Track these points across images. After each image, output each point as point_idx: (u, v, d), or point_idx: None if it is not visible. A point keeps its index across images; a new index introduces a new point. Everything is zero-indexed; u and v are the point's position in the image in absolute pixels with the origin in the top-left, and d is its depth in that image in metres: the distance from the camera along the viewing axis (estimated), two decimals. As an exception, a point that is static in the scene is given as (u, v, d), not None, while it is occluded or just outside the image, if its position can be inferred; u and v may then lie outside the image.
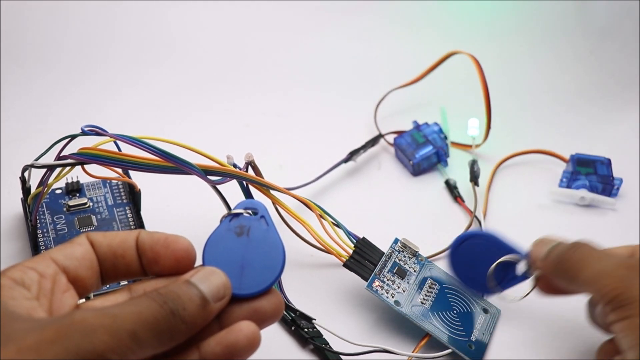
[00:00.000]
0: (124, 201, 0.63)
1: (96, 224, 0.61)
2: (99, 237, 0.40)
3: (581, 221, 0.65)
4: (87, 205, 0.62)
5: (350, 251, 0.54)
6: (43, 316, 0.35)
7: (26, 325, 0.33)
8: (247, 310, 0.39)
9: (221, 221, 0.41)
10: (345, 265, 0.54)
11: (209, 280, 0.38)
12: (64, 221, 0.61)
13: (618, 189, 0.67)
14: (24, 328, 0.33)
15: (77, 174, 0.63)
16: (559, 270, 0.47)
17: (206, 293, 0.37)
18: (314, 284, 0.58)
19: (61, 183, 0.62)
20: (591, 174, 0.67)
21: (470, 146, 0.71)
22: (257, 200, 0.41)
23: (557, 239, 0.49)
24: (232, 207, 0.44)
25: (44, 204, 0.62)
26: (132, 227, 0.61)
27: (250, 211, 0.41)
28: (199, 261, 0.40)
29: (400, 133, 0.71)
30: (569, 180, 0.68)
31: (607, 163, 0.68)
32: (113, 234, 0.40)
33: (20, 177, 0.56)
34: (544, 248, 0.49)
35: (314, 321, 0.52)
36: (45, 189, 0.53)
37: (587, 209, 0.67)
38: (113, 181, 0.64)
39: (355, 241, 0.55)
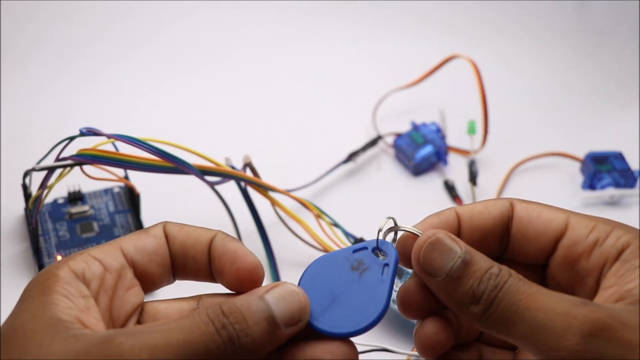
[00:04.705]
0: (125, 208, 0.63)
1: (98, 230, 0.61)
2: (175, 230, 0.36)
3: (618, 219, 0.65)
4: (88, 213, 0.62)
5: (349, 251, 0.54)
6: (93, 323, 0.32)
7: (61, 347, 0.31)
8: (311, 353, 0.34)
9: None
10: (344, 264, 0.54)
11: (286, 301, 0.33)
12: (65, 228, 0.61)
13: (636, 179, 0.68)
14: (56, 352, 0.30)
15: (78, 182, 0.63)
16: (473, 312, 0.33)
17: (278, 316, 0.32)
18: (313, 284, 0.57)
19: (63, 192, 0.63)
20: (611, 171, 0.67)
21: (468, 152, 0.70)
22: (393, 246, 0.37)
23: (454, 245, 0.34)
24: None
25: (46, 213, 0.62)
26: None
27: (379, 252, 0.37)
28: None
29: (399, 134, 0.71)
30: (592, 180, 0.67)
31: (621, 156, 0.68)
32: (189, 230, 0.36)
33: (22, 184, 0.56)
34: (443, 259, 0.34)
35: (313, 321, 0.52)
36: (46, 191, 0.54)
37: (615, 206, 0.67)
38: (114, 189, 0.64)
39: (353, 241, 0.55)
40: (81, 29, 0.85)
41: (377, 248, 0.37)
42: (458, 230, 0.36)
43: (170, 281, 0.37)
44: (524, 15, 0.89)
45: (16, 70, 0.78)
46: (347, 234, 0.55)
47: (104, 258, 0.35)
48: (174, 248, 0.36)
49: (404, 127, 0.72)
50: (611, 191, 0.67)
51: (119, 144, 0.53)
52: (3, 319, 0.54)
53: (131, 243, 0.35)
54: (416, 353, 0.51)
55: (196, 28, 0.87)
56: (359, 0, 0.90)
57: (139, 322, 0.36)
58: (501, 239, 0.37)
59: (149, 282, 0.36)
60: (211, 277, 0.37)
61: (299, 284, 0.36)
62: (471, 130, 0.69)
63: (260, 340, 0.32)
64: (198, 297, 0.37)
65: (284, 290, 0.34)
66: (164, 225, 0.36)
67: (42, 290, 0.33)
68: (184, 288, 0.39)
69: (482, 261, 0.34)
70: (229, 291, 0.37)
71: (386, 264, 0.37)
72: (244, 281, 0.35)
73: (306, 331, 0.34)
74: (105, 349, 0.30)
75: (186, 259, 0.36)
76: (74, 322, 0.32)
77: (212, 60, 0.83)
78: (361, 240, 0.55)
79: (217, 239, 0.36)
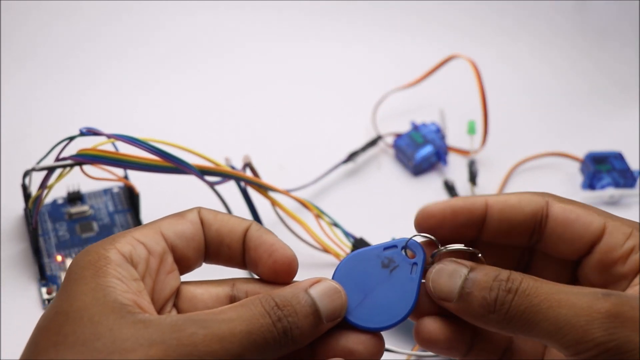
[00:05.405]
0: (124, 207, 0.63)
1: (97, 230, 0.61)
2: (211, 217, 0.37)
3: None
4: (88, 213, 0.62)
5: (349, 250, 0.55)
6: (147, 307, 0.33)
7: (132, 332, 0.31)
8: (344, 345, 0.35)
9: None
10: (343, 264, 0.54)
11: (330, 298, 0.35)
12: (65, 228, 0.61)
13: (636, 179, 0.68)
14: (129, 337, 0.31)
15: (78, 182, 0.63)
16: (494, 320, 0.34)
17: (323, 311, 0.34)
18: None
19: (63, 192, 0.63)
20: (611, 171, 0.68)
21: (468, 152, 0.70)
22: (422, 247, 0.38)
23: (461, 263, 0.36)
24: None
25: (45, 213, 0.62)
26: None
27: (409, 252, 0.38)
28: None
29: (399, 135, 0.71)
30: (592, 180, 0.68)
31: (620, 157, 0.68)
32: (224, 218, 0.37)
33: (22, 184, 0.57)
34: (451, 282, 0.35)
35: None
36: (46, 191, 0.54)
37: (614, 205, 0.67)
38: (114, 189, 0.64)
39: (353, 240, 0.55)
40: (81, 29, 0.85)
41: (408, 248, 0.38)
42: (482, 219, 0.37)
43: (200, 265, 0.38)
44: (524, 15, 0.89)
45: (16, 69, 0.78)
46: (347, 234, 0.55)
47: (147, 242, 0.35)
48: (209, 234, 0.37)
49: (404, 127, 0.72)
50: (611, 191, 0.67)
51: (119, 144, 0.53)
52: (3, 319, 0.55)
53: (170, 227, 0.36)
54: (416, 353, 0.52)
55: (196, 28, 0.87)
56: (359, 0, 0.90)
57: (175, 305, 0.36)
58: (531, 234, 0.37)
59: (185, 265, 0.37)
60: (243, 264, 0.37)
61: (332, 278, 0.37)
62: (471, 130, 0.69)
63: (307, 333, 0.34)
64: (231, 282, 0.37)
65: (326, 286, 0.35)
66: (199, 210, 0.37)
67: (95, 272, 0.33)
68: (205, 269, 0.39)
69: (489, 270, 0.35)
70: (257, 276, 0.38)
71: (415, 263, 0.38)
72: (280, 273, 0.36)
73: (339, 334, 0.36)
74: (179, 337, 0.31)
75: (221, 246, 0.37)
76: (134, 307, 0.32)
77: (212, 60, 0.83)
78: (361, 240, 0.55)
79: (252, 230, 0.37)
